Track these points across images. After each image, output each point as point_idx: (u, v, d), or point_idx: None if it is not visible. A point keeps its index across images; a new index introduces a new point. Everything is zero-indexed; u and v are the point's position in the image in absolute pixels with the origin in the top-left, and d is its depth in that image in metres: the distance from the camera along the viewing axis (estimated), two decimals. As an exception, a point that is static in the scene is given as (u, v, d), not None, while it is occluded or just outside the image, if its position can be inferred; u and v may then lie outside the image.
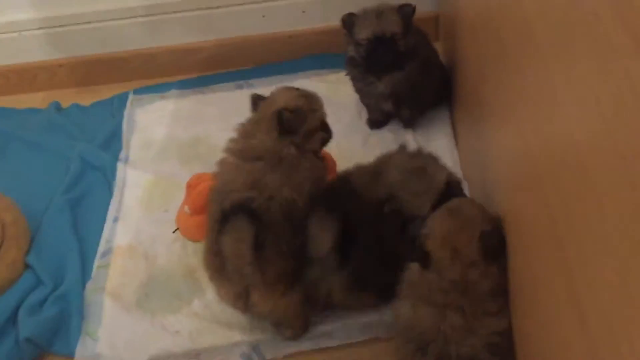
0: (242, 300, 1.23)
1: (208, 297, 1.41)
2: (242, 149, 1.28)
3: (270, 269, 1.18)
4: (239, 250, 1.13)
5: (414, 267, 1.09)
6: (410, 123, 1.70)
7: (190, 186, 1.44)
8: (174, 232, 1.48)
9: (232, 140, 1.31)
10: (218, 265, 1.21)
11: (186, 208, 1.43)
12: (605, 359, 0.65)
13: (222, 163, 1.29)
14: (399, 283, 1.12)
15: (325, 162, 1.37)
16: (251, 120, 1.33)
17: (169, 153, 1.76)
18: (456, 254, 1.03)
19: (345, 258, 1.23)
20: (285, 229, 1.19)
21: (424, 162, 1.29)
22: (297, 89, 1.36)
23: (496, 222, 1.09)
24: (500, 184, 1.15)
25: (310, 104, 1.32)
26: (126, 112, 1.89)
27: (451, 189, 1.25)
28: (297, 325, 1.30)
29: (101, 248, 1.55)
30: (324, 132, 1.34)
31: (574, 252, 0.73)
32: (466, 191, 1.48)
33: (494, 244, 1.03)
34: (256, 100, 1.34)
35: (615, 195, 0.60)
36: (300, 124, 1.27)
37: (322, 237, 1.21)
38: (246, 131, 1.31)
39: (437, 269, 1.04)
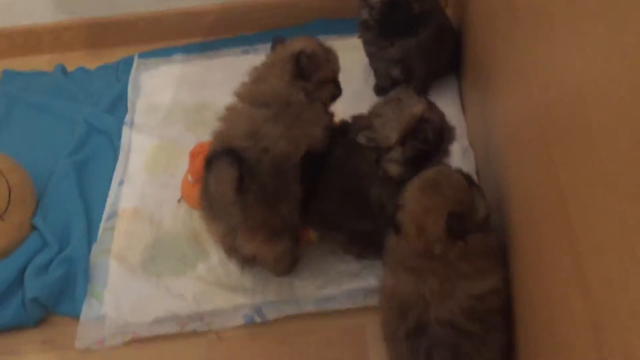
0: (229, 238, 1.26)
1: (212, 261, 1.42)
2: (251, 93, 1.29)
3: (252, 214, 1.19)
4: (221, 190, 1.16)
5: (391, 234, 1.10)
6: (421, 92, 1.67)
7: (193, 155, 1.44)
8: (178, 201, 1.49)
9: (243, 84, 1.32)
10: (206, 204, 1.24)
11: (189, 177, 1.43)
12: (606, 322, 0.65)
13: (229, 108, 1.30)
14: (375, 232, 1.14)
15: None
16: (265, 63, 1.33)
17: (174, 118, 1.76)
18: (421, 231, 1.04)
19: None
20: (273, 181, 1.19)
21: (405, 94, 1.26)
22: (316, 39, 1.36)
23: (470, 195, 1.09)
24: (506, 150, 1.15)
25: (328, 53, 1.33)
26: (131, 76, 1.88)
27: (426, 126, 1.21)
28: (280, 269, 1.34)
29: (107, 211, 1.56)
30: (335, 87, 1.35)
31: (578, 214, 0.73)
32: (471, 160, 1.48)
33: (459, 226, 1.03)
34: (276, 42, 1.34)
35: (620, 155, 0.60)
36: (314, 70, 1.28)
37: None
38: (259, 75, 1.31)
39: (406, 239, 1.06)
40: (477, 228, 1.06)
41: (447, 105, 1.63)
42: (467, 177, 1.13)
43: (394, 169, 1.21)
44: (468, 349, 1.01)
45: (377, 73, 1.71)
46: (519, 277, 1.05)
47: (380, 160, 1.21)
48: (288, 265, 1.36)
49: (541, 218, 0.90)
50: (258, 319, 1.32)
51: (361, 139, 1.21)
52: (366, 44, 1.64)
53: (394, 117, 1.21)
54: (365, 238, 1.30)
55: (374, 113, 1.26)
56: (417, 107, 1.22)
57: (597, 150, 0.66)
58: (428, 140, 1.19)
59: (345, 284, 1.32)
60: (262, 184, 1.18)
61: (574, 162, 0.74)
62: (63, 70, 1.96)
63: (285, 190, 1.21)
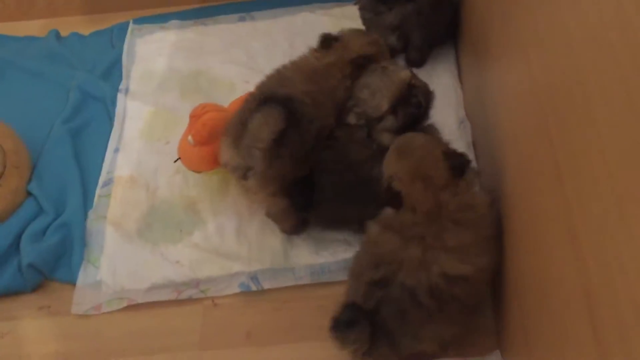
0: (238, 173, 1.28)
1: (209, 229, 1.43)
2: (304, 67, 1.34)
3: (275, 165, 1.22)
4: (261, 131, 1.18)
5: (387, 210, 1.11)
6: (417, 63, 1.66)
7: (194, 116, 1.42)
8: (175, 161, 1.47)
9: (294, 62, 1.37)
10: (237, 134, 1.25)
11: (189, 138, 1.41)
12: (601, 293, 0.66)
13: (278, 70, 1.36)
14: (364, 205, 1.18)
15: None
16: (322, 59, 1.35)
17: (169, 85, 1.74)
18: (428, 182, 1.06)
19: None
20: (305, 140, 1.23)
21: (388, 63, 1.28)
22: (365, 34, 1.41)
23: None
24: (503, 122, 1.14)
25: (381, 51, 1.38)
26: (126, 43, 1.85)
27: (416, 91, 1.24)
28: (286, 226, 1.37)
29: (102, 178, 1.56)
30: None
31: (574, 188, 0.73)
32: (468, 131, 1.48)
33: (457, 158, 1.09)
34: (327, 40, 1.37)
35: (615, 125, 0.60)
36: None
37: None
38: (316, 71, 1.33)
39: (410, 205, 1.07)
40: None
41: (444, 75, 1.63)
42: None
43: (387, 139, 1.22)
44: (413, 318, 1.05)
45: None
46: (513, 247, 1.06)
47: (372, 132, 1.22)
48: (293, 224, 1.37)
49: (536, 188, 0.91)
50: (254, 287, 1.33)
51: (351, 119, 1.21)
52: (362, 9, 1.62)
53: (383, 85, 1.22)
54: None
55: (360, 85, 1.25)
56: (404, 73, 1.23)
57: (593, 121, 0.66)
58: (420, 105, 1.20)
59: (340, 254, 1.33)
60: (296, 140, 1.22)
61: (571, 133, 0.74)
62: (57, 35, 1.94)
63: (308, 158, 1.25)
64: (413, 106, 1.21)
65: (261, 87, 1.34)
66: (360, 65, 1.32)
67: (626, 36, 0.58)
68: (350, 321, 1.06)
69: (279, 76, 1.34)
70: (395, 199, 1.08)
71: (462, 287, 1.05)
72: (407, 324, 1.06)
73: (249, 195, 1.37)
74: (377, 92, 1.22)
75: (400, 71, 1.25)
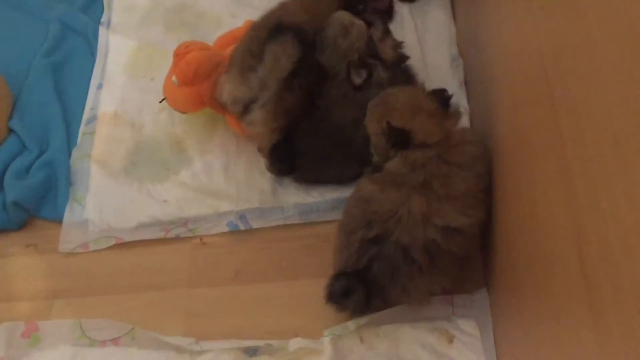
0: (238, 107, 1.28)
1: (196, 167, 1.41)
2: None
3: (286, 98, 1.23)
4: (280, 60, 1.19)
5: (394, 160, 1.10)
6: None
7: (177, 55, 1.38)
8: (160, 102, 1.44)
9: (284, 2, 1.34)
10: (245, 65, 1.25)
11: (174, 78, 1.38)
12: (590, 231, 0.65)
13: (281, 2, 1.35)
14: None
15: None
16: None
17: (153, 18, 1.68)
18: (429, 113, 1.07)
19: None
20: (312, 71, 1.24)
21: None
22: None
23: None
24: (497, 62, 1.12)
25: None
26: (107, -28, 1.78)
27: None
28: (273, 170, 1.35)
29: (86, 115, 1.53)
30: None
31: (569, 124, 0.72)
32: (460, 69, 1.45)
33: (441, 92, 1.11)
34: None
35: (616, 67, 0.58)
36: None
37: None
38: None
39: (419, 140, 1.06)
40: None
41: (437, 10, 1.58)
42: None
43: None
44: (404, 273, 1.06)
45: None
46: (503, 187, 1.05)
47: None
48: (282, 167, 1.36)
49: (530, 127, 0.89)
50: (242, 227, 1.33)
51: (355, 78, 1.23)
52: None
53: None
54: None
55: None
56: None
57: (592, 58, 0.64)
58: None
59: (329, 193, 1.32)
60: (308, 73, 1.23)
61: (569, 71, 0.72)
62: (34, -35, 1.85)
63: (312, 92, 1.26)
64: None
65: (267, 18, 1.31)
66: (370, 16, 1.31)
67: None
68: (345, 290, 1.07)
69: (282, 7, 1.32)
70: (402, 138, 1.06)
71: (457, 241, 1.05)
72: (398, 279, 1.06)
73: (245, 130, 1.34)
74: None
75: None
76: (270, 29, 1.23)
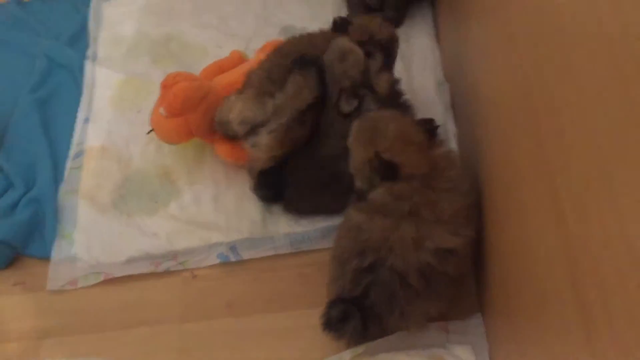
0: (245, 126, 1.27)
1: (185, 199, 1.40)
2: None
3: (295, 129, 1.23)
4: (301, 94, 1.21)
5: (373, 194, 1.09)
6: (395, 23, 1.62)
7: (165, 87, 1.38)
8: (148, 133, 1.43)
9: (323, 31, 1.34)
10: (262, 89, 1.26)
11: (161, 110, 1.38)
12: (582, 254, 0.65)
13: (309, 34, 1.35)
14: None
15: None
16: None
17: (140, 51, 1.68)
18: (417, 145, 1.06)
19: None
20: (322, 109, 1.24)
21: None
22: (379, 18, 1.33)
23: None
24: (483, 83, 1.12)
25: (392, 36, 1.33)
26: (92, 7, 1.78)
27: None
28: (257, 193, 1.34)
29: (73, 150, 1.51)
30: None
31: (555, 147, 0.72)
32: (447, 93, 1.45)
33: (429, 122, 1.15)
34: (342, 23, 1.31)
35: (599, 90, 0.58)
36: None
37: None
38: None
39: (407, 173, 1.05)
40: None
41: (421, 35, 1.60)
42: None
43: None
44: (403, 297, 1.04)
45: (350, 2, 1.65)
46: (493, 210, 1.05)
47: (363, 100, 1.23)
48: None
49: (517, 150, 0.90)
50: (233, 258, 1.31)
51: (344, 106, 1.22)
52: None
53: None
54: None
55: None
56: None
57: (575, 79, 0.64)
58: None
59: (320, 222, 1.31)
60: (321, 112, 1.24)
61: (553, 93, 0.72)
62: (19, 1, 1.85)
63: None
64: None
65: (292, 46, 1.32)
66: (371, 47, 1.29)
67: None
68: (342, 316, 1.06)
69: (309, 39, 1.32)
70: (391, 171, 1.05)
71: (451, 262, 1.04)
72: (396, 304, 1.05)
73: (235, 156, 1.36)
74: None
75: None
76: (294, 59, 1.24)
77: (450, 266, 1.05)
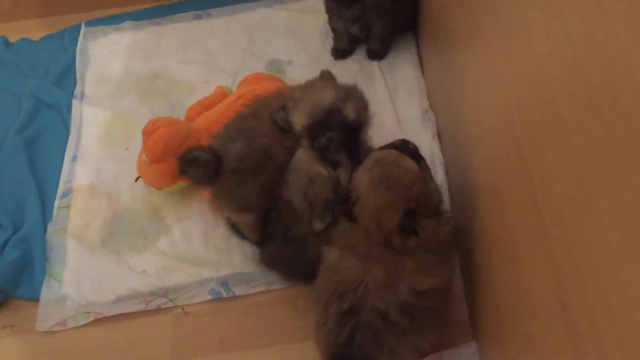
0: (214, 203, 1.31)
1: (175, 235, 1.39)
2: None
3: (224, 188, 1.24)
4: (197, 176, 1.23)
5: (340, 227, 1.08)
6: (379, 55, 1.65)
7: (146, 134, 1.39)
8: (135, 180, 1.45)
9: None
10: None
11: (144, 156, 1.39)
12: (571, 284, 0.65)
13: None
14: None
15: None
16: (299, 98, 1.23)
17: (127, 88, 1.69)
18: (379, 226, 1.02)
19: None
20: (246, 163, 1.22)
21: (324, 80, 1.25)
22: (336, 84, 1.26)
23: (424, 181, 1.05)
24: (467, 114, 1.13)
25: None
26: (79, 46, 1.80)
27: (332, 120, 1.17)
28: (252, 237, 1.33)
29: (60, 189, 1.51)
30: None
31: (540, 177, 0.73)
32: (432, 122, 1.47)
33: (412, 224, 1.00)
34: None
35: (578, 121, 0.59)
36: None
37: None
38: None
39: (363, 228, 1.04)
40: (432, 212, 1.05)
41: (406, 66, 1.62)
42: (414, 156, 1.09)
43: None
44: (388, 336, 1.03)
45: (335, 33, 1.67)
46: (483, 241, 1.05)
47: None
48: (259, 235, 1.32)
49: (504, 178, 0.90)
50: (224, 294, 1.30)
51: (278, 117, 1.18)
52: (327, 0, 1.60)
53: (305, 102, 1.18)
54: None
55: (293, 94, 1.22)
56: (327, 95, 1.17)
57: (557, 112, 0.65)
58: (330, 140, 1.15)
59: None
60: (236, 164, 1.21)
61: (534, 123, 0.73)
62: (5, 41, 1.87)
63: (254, 174, 1.22)
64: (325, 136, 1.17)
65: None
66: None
67: (585, 26, 0.57)
68: None
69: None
70: (352, 218, 1.04)
71: (431, 298, 1.03)
72: (383, 343, 1.03)
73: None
74: (300, 107, 1.18)
75: (325, 92, 1.19)
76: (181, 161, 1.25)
77: (431, 301, 1.03)
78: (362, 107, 1.21)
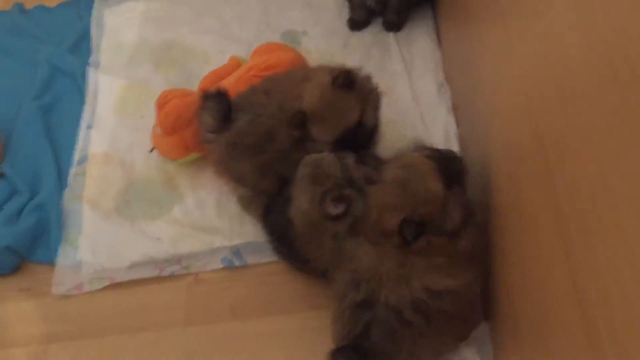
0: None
1: (188, 204, 1.40)
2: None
3: (221, 153, 1.27)
4: (206, 120, 1.27)
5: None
6: (395, 27, 1.63)
7: (159, 105, 1.40)
8: (150, 151, 1.46)
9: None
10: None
11: (157, 128, 1.40)
12: (589, 287, 0.65)
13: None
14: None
15: None
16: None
17: (141, 57, 1.69)
18: (378, 223, 1.00)
19: None
20: (251, 138, 1.23)
21: None
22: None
23: (443, 203, 0.99)
24: (483, 86, 1.13)
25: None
26: (94, 14, 1.79)
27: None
28: (249, 213, 1.35)
29: (76, 156, 1.52)
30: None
31: (556, 154, 0.72)
32: (447, 95, 1.46)
33: (412, 234, 0.96)
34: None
35: (598, 100, 0.59)
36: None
37: None
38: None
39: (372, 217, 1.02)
40: (448, 234, 0.99)
41: (422, 38, 1.60)
42: (453, 176, 1.02)
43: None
44: (405, 335, 1.01)
45: (352, 4, 1.65)
46: (497, 222, 1.04)
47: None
48: (255, 212, 1.33)
49: (518, 154, 0.90)
50: (237, 263, 1.32)
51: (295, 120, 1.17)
52: None
53: (330, 121, 1.19)
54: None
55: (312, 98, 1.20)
56: (354, 114, 1.18)
57: (573, 95, 0.65)
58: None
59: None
60: (234, 139, 1.22)
61: (551, 105, 0.73)
62: (21, 8, 1.86)
63: (252, 153, 1.23)
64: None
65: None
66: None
67: (607, 6, 0.56)
68: None
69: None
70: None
71: (451, 301, 0.99)
72: (400, 343, 1.01)
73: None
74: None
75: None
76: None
77: (449, 304, 0.99)
78: (376, 102, 1.22)
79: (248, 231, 1.34)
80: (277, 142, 1.22)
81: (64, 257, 1.37)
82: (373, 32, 1.64)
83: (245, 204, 1.35)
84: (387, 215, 0.99)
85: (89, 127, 1.57)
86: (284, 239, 1.21)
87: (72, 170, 1.50)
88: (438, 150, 1.09)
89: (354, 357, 1.02)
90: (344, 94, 1.19)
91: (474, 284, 1.03)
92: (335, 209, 1.07)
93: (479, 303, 1.07)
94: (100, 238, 1.38)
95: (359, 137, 1.20)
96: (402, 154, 1.08)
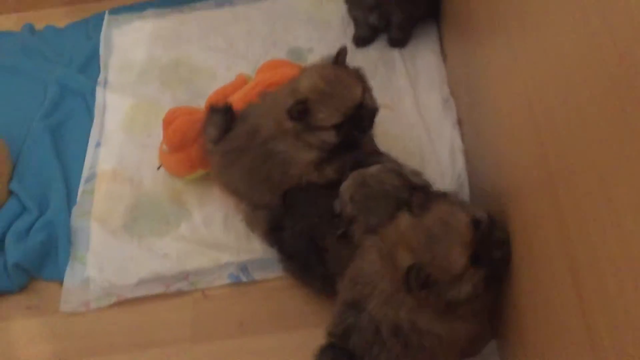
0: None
1: (195, 220, 1.41)
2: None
3: (219, 165, 1.31)
4: (209, 130, 1.30)
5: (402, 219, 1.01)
6: (400, 43, 1.64)
7: (166, 122, 1.41)
8: (158, 168, 1.47)
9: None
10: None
11: (164, 146, 1.41)
12: (593, 297, 0.65)
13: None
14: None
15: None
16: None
17: (149, 76, 1.71)
18: (388, 256, 0.98)
19: None
20: (254, 162, 1.26)
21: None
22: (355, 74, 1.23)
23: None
24: (488, 101, 1.13)
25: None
26: (103, 34, 1.81)
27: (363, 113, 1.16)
28: (253, 230, 1.36)
29: (85, 173, 1.53)
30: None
31: (559, 164, 0.72)
32: (453, 109, 1.46)
33: (418, 281, 0.91)
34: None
35: (600, 113, 0.59)
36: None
37: None
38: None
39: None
40: (448, 302, 0.95)
41: (427, 53, 1.61)
42: (486, 251, 0.95)
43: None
44: (380, 353, 0.99)
45: (356, 22, 1.67)
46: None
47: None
48: (258, 229, 1.34)
49: (523, 168, 0.90)
50: (244, 279, 1.32)
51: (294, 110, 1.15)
52: None
53: (335, 99, 1.16)
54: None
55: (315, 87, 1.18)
56: (356, 91, 1.17)
57: (578, 109, 0.65)
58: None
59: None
60: (225, 147, 1.26)
61: (556, 119, 0.73)
62: (31, 29, 1.89)
63: (239, 155, 1.25)
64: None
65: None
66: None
67: (609, 23, 0.56)
68: None
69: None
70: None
71: (432, 341, 0.97)
72: (375, 358, 0.99)
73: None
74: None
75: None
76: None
77: (428, 343, 0.97)
78: (367, 82, 1.22)
79: (255, 247, 1.34)
80: (259, 135, 1.21)
81: (71, 274, 1.37)
82: (378, 49, 1.65)
83: (248, 221, 1.35)
84: (403, 249, 0.96)
85: (98, 144, 1.59)
86: (300, 257, 1.21)
87: (81, 188, 1.51)
88: (492, 222, 0.98)
89: (341, 357, 1.02)
90: (344, 71, 1.19)
91: (461, 332, 0.99)
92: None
93: (459, 349, 1.04)
94: (107, 255, 1.39)
95: (363, 120, 1.18)
96: (455, 201, 1.03)
